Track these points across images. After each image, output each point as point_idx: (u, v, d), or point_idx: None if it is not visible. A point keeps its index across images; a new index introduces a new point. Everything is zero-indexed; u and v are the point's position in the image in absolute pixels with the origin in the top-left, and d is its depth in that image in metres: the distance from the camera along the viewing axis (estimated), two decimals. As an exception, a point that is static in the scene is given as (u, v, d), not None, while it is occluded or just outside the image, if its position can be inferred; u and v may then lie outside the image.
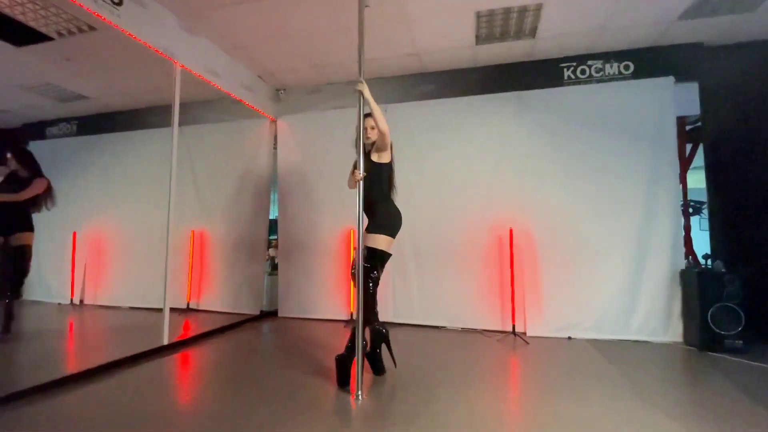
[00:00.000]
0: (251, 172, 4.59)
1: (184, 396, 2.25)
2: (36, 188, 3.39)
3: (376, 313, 2.44)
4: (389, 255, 2.41)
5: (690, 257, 3.56)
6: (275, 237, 4.80)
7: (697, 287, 3.08)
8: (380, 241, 2.37)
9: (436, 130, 3.97)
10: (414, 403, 2.08)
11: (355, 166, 2.38)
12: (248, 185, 4.60)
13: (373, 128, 2.44)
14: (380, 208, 2.44)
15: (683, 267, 3.37)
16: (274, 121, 4.61)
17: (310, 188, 4.38)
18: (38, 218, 3.56)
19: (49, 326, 3.97)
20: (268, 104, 4.53)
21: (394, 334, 2.48)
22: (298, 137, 4.50)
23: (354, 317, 3.85)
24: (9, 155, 3.43)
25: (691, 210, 3.91)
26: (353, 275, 2.47)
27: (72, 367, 2.63)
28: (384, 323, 2.49)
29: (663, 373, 2.68)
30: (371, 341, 2.45)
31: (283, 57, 3.89)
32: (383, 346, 2.47)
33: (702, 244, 3.74)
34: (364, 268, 2.26)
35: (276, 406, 2.03)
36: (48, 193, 3.50)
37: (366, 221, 2.38)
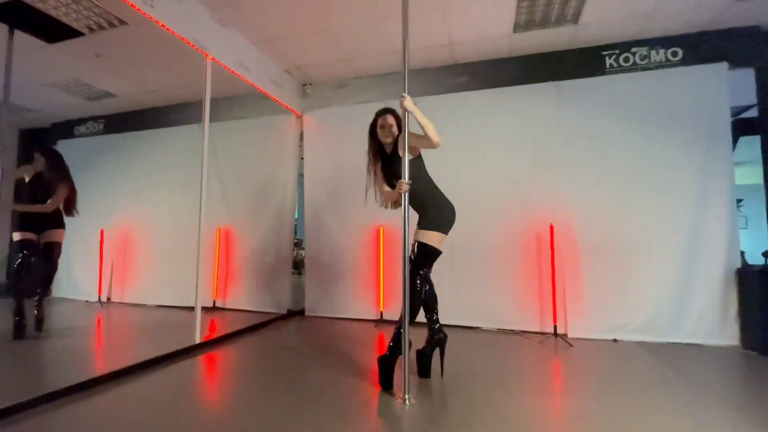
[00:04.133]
0: (277, 169, 4.51)
1: (222, 397, 2.16)
2: (60, 197, 3.35)
3: (435, 315, 2.35)
4: (439, 252, 2.28)
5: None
6: (301, 237, 4.72)
7: (759, 286, 2.87)
8: (431, 237, 2.24)
9: (470, 124, 3.82)
10: (466, 408, 1.95)
11: (385, 177, 2.36)
12: (274, 182, 4.52)
13: (392, 126, 2.33)
14: (430, 202, 2.32)
15: (739, 265, 3.15)
16: (300, 117, 4.53)
17: (337, 184, 4.28)
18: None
19: (79, 324, 3.95)
20: (295, 99, 4.45)
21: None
22: (324, 133, 4.41)
23: (389, 317, 3.78)
24: (37, 154, 3.39)
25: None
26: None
27: (106, 366, 2.58)
28: (443, 327, 2.38)
29: (724, 379, 2.50)
30: (427, 342, 2.35)
31: (313, 50, 3.79)
32: (437, 351, 2.36)
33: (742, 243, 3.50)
34: (411, 265, 2.15)
35: (318, 409, 1.92)
36: (72, 200, 3.46)
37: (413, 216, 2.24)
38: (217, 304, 4.55)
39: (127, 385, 2.26)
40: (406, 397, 1.98)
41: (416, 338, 2.40)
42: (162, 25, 2.73)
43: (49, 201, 3.31)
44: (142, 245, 4.99)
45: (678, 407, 1.97)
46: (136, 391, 2.18)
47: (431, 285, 2.38)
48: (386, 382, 2.17)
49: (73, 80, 4.36)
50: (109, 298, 5.02)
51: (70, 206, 3.46)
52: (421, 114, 2.15)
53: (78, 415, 1.88)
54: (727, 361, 2.78)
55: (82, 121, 5.45)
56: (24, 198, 3.36)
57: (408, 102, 2.12)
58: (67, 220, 3.52)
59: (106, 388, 2.20)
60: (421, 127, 2.16)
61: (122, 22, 3.25)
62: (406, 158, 2.15)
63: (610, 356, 2.88)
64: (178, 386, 2.27)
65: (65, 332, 3.52)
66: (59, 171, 3.39)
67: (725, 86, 3.25)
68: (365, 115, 4.11)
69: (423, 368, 2.32)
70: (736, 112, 4.19)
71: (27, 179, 3.37)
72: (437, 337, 2.32)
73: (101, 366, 2.69)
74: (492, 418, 1.84)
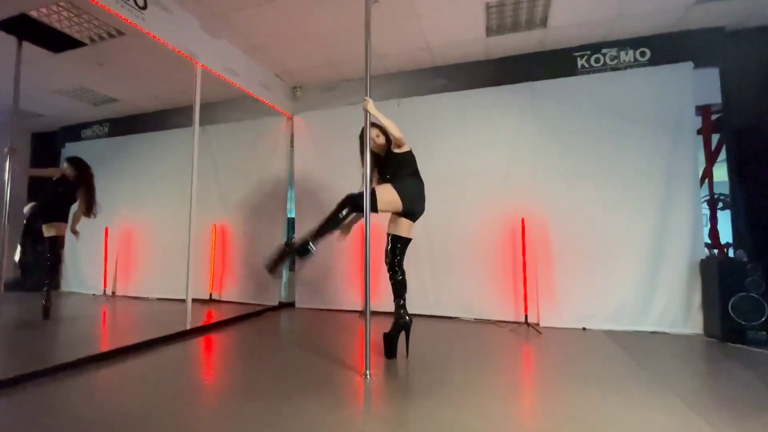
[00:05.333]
0: (269, 168, 4.75)
1: (205, 373, 2.39)
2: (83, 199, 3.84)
3: (402, 301, 2.55)
4: (394, 236, 2.60)
5: (716, 250, 3.45)
6: (294, 235, 4.94)
7: (718, 277, 3.00)
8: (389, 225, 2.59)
9: (449, 123, 4.00)
10: (423, 383, 2.14)
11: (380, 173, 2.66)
12: (267, 181, 4.76)
13: (378, 136, 2.60)
14: (398, 193, 2.54)
15: (703, 257, 3.28)
16: (290, 119, 4.75)
17: (326, 183, 4.49)
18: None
19: (85, 313, 4.25)
20: (285, 102, 4.68)
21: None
22: (313, 134, 4.63)
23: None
24: (66, 163, 3.84)
25: (721, 204, 3.71)
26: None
27: (105, 346, 2.83)
28: (408, 313, 2.57)
29: (682, 364, 2.62)
30: (393, 325, 2.54)
31: (299, 55, 4.02)
32: (402, 333, 2.56)
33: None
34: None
35: (285, 383, 2.13)
36: (90, 204, 3.86)
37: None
38: (213, 297, 4.79)
39: (122, 363, 2.50)
40: (367, 372, 2.18)
41: (387, 324, 2.60)
42: (153, 36, 2.97)
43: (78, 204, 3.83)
44: (144, 242, 5.28)
45: (624, 391, 2.13)
46: (130, 368, 2.42)
47: (403, 273, 2.58)
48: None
49: (79, 87, 4.64)
50: (114, 292, 5.31)
51: (89, 209, 3.83)
52: (382, 115, 2.37)
53: (77, 387, 2.11)
54: (686, 348, 2.91)
55: (88, 124, 5.76)
56: (47, 193, 3.80)
57: (370, 105, 2.33)
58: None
59: (103, 365, 2.44)
60: (385, 126, 2.38)
61: (120, 33, 3.51)
62: (368, 152, 2.37)
63: (574, 343, 3.03)
64: (167, 365, 2.50)
65: (71, 319, 3.82)
66: (80, 173, 3.84)
67: (690, 85, 3.38)
68: (352, 116, 4.37)
69: (389, 349, 2.52)
70: (720, 108, 4.29)
71: (54, 178, 3.83)
72: (402, 321, 2.51)
73: (100, 346, 2.93)
74: (445, 391, 2.02)
